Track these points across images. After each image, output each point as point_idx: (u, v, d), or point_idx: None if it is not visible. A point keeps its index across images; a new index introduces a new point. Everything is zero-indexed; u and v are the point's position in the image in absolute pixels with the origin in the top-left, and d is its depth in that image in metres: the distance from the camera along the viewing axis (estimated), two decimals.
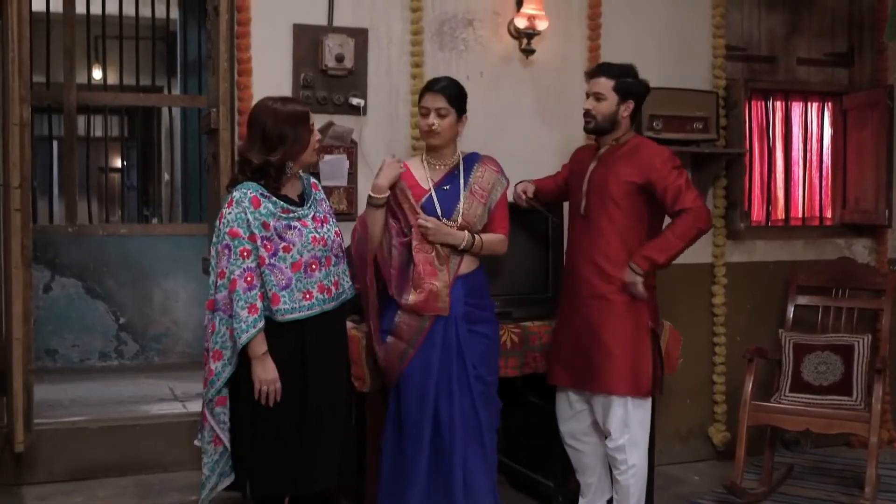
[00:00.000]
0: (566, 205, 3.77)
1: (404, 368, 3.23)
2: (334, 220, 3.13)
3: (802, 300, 4.67)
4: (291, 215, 2.96)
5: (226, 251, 2.88)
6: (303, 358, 2.97)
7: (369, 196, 3.25)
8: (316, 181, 3.21)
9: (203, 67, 6.34)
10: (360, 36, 4.03)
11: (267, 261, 2.89)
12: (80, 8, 6.00)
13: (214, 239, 2.98)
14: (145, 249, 6.30)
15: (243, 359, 2.92)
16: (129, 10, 6.59)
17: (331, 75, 3.98)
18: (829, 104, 5.07)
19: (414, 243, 3.24)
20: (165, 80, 7.39)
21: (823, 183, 5.10)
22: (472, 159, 3.40)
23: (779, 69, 4.92)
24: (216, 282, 2.93)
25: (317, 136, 3.07)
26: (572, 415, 3.61)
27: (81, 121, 6.95)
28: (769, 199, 4.99)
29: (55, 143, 7.77)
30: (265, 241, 2.89)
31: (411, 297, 3.21)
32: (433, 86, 3.32)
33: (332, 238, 3.05)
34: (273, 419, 2.92)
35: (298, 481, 2.99)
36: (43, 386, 4.83)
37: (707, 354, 4.74)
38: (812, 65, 4.99)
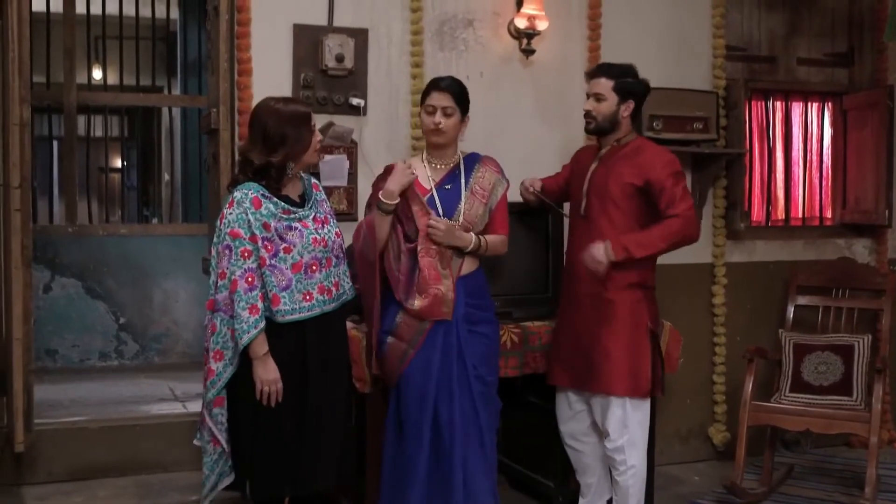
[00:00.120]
0: (566, 206, 3.76)
1: (404, 369, 3.23)
2: (335, 221, 3.12)
3: (802, 300, 4.67)
4: (292, 216, 2.96)
5: (227, 251, 2.88)
6: (303, 358, 2.96)
7: (379, 202, 3.22)
8: (317, 181, 3.20)
9: (203, 67, 6.34)
10: (360, 36, 4.03)
11: (267, 262, 2.89)
12: (80, 8, 6.00)
13: (215, 239, 2.98)
14: (145, 249, 6.30)
15: (244, 359, 2.92)
16: (129, 10, 6.59)
17: (331, 75, 3.98)
18: (829, 104, 5.07)
19: (419, 248, 3.23)
20: (165, 81, 7.39)
21: (823, 183, 5.10)
22: (472, 159, 3.40)
23: (779, 69, 4.92)
24: (217, 282, 2.93)
25: (318, 136, 3.07)
26: (572, 415, 3.61)
27: (81, 121, 6.94)
28: (769, 199, 4.99)
29: (55, 143, 7.77)
30: (266, 242, 2.89)
31: (416, 303, 3.21)
32: (440, 84, 3.30)
33: (333, 239, 3.05)
34: (273, 419, 2.92)
35: (298, 481, 2.99)
36: (43, 386, 4.83)
37: (707, 354, 4.74)
38: (812, 65, 4.99)
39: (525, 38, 4.22)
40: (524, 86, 4.34)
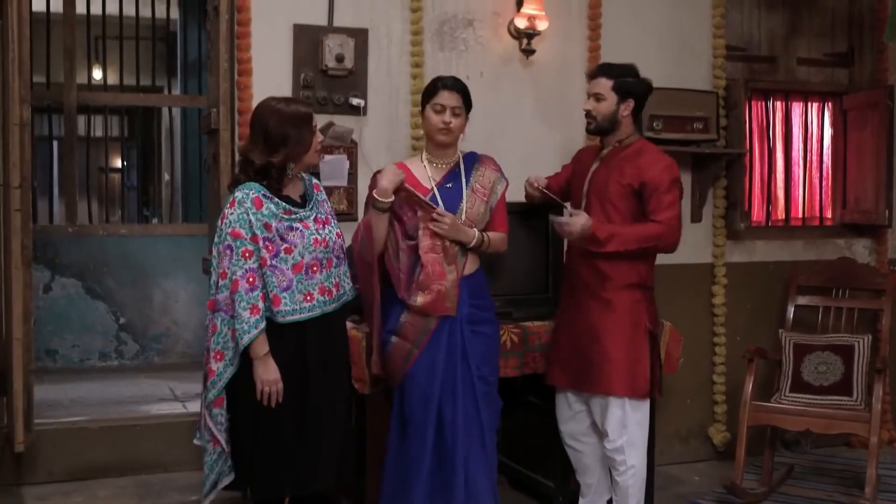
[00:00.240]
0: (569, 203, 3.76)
1: (409, 369, 3.22)
2: (335, 222, 3.12)
3: (802, 300, 4.67)
4: (293, 217, 2.96)
5: (228, 252, 2.88)
6: (303, 359, 2.96)
7: (374, 200, 3.22)
8: (318, 182, 3.20)
9: (203, 67, 6.34)
10: (360, 36, 4.03)
11: (268, 262, 2.88)
12: (80, 8, 5.99)
13: (216, 239, 2.98)
14: (145, 249, 6.30)
15: (244, 359, 2.92)
16: (129, 10, 6.58)
17: (331, 75, 3.98)
18: (829, 104, 5.08)
19: (422, 244, 3.22)
20: (165, 81, 7.39)
21: (823, 183, 5.10)
22: (471, 158, 3.40)
23: (779, 69, 4.92)
24: (217, 282, 2.93)
25: (319, 137, 3.07)
26: (571, 415, 3.61)
27: (81, 121, 6.94)
28: (769, 199, 4.99)
29: (55, 143, 7.77)
30: (267, 243, 2.89)
31: (419, 299, 3.20)
32: (449, 83, 3.28)
33: (334, 240, 3.05)
34: (273, 420, 2.92)
35: (298, 481, 2.99)
36: (43, 386, 4.84)
37: (707, 354, 4.74)
38: (812, 65, 5.00)
39: (525, 38, 4.22)
40: (524, 86, 4.34)
